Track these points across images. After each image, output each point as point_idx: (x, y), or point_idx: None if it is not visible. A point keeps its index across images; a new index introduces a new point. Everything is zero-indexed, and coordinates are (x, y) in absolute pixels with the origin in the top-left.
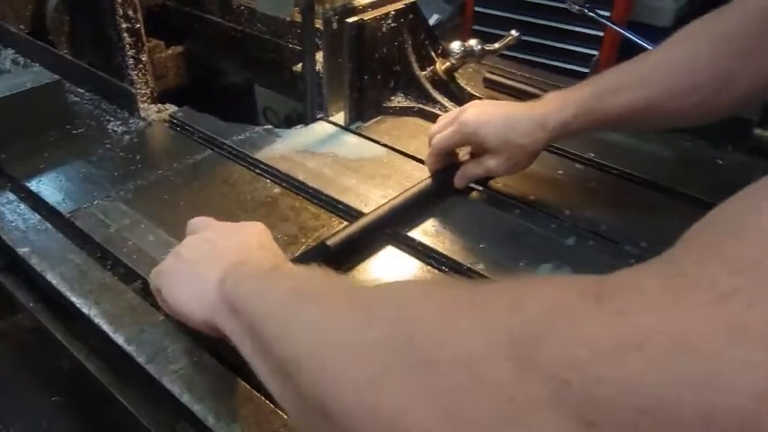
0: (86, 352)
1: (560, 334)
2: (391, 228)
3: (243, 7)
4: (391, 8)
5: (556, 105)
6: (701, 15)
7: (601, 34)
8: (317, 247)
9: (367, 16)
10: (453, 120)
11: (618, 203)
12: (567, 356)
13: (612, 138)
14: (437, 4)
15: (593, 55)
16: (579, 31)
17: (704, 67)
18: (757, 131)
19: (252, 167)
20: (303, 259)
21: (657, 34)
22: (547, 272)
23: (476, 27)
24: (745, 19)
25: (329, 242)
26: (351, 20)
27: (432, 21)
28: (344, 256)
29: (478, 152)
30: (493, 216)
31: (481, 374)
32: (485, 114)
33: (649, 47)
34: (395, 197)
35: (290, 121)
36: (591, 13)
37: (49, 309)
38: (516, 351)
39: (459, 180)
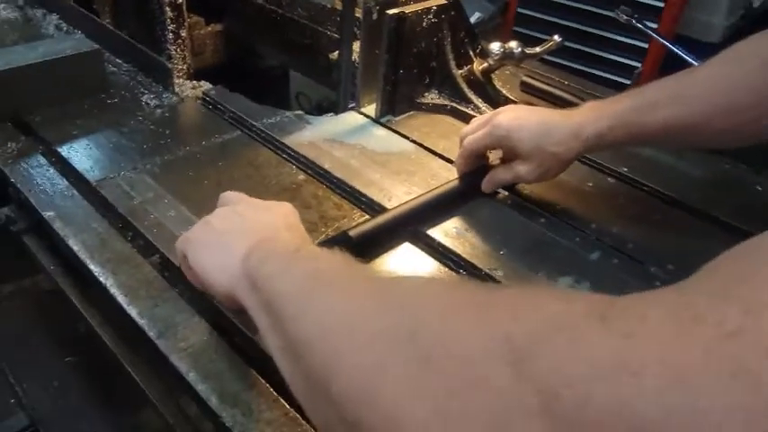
0: (100, 319)
1: (559, 349)
2: (413, 225)
3: None
4: (434, 3)
5: (592, 116)
6: (751, 34)
7: (645, 46)
8: (339, 236)
9: (408, 9)
10: (486, 122)
11: (647, 222)
12: (562, 372)
13: (647, 153)
14: (479, 2)
15: (636, 67)
16: (623, 42)
17: (747, 88)
18: None
19: (279, 152)
20: (324, 247)
21: (705, 50)
22: (566, 285)
23: (517, 29)
24: None
25: (351, 233)
26: (391, 12)
27: (473, 19)
28: (364, 248)
29: (509, 157)
30: (517, 223)
31: (476, 376)
32: (519, 119)
33: (694, 62)
34: (420, 195)
35: (322, 108)
36: (639, 24)
37: (69, 274)
38: (514, 358)
39: (486, 184)
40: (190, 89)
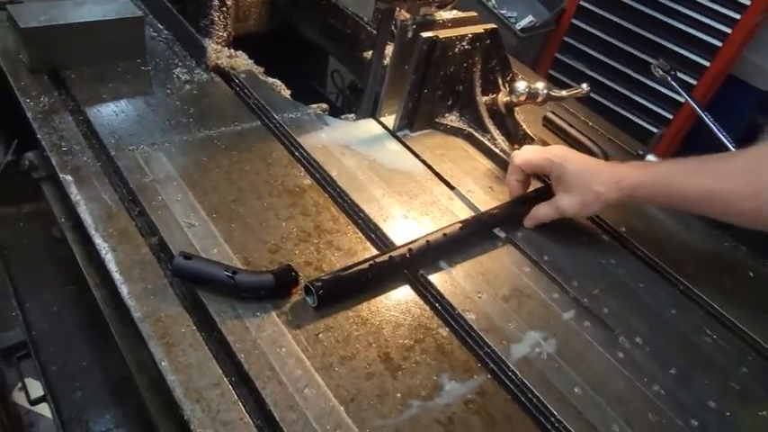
0: (98, 281)
1: None
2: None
3: None
4: (469, 30)
5: (636, 170)
6: None
7: (681, 100)
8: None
9: (442, 34)
10: (540, 149)
11: (629, 289)
12: None
13: (654, 213)
14: (535, 7)
15: (668, 118)
16: (661, 91)
17: None
18: None
19: (292, 149)
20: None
21: (755, 96)
22: (533, 340)
23: (567, 39)
24: None
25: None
26: (426, 34)
27: (524, 22)
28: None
29: (554, 189)
30: (503, 268)
31: None
32: (572, 153)
33: (719, 132)
34: (421, 238)
35: (354, 89)
36: (673, 82)
37: (77, 230)
38: None
39: (529, 221)
40: (226, 57)
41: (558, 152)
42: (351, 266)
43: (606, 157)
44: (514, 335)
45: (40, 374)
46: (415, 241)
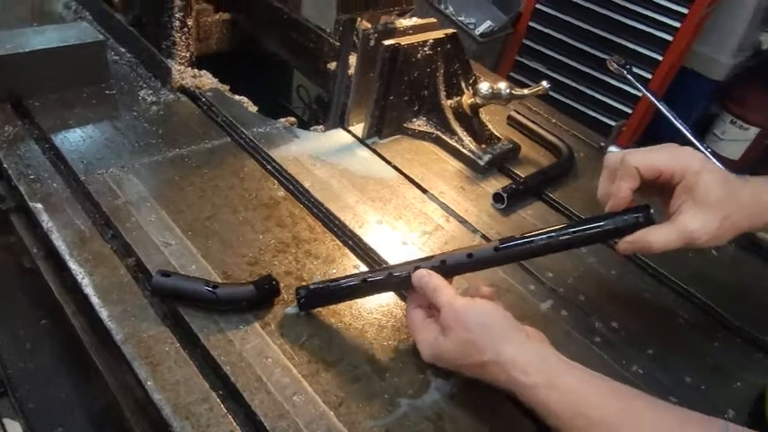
0: (75, 308)
1: None
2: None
3: None
4: (430, 36)
5: None
6: (758, 75)
7: (639, 94)
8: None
9: (404, 41)
10: (658, 149)
11: (602, 276)
12: None
13: None
14: (493, 12)
15: (628, 113)
16: (619, 87)
17: None
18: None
19: (264, 163)
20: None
21: (707, 86)
22: None
23: (526, 42)
24: None
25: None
26: (388, 42)
27: (483, 27)
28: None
29: (669, 201)
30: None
31: None
32: (707, 159)
33: (676, 120)
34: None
35: (320, 103)
36: (629, 76)
37: (50, 257)
38: None
39: (631, 245)
40: (190, 77)
41: (688, 153)
42: (340, 278)
43: (571, 153)
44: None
45: (18, 413)
46: (432, 257)
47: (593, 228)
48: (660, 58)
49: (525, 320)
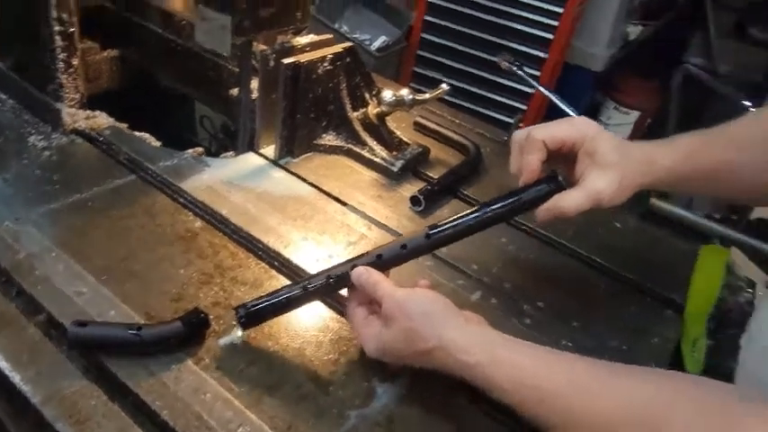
0: None
1: None
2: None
3: (185, 22)
4: (329, 51)
5: (663, 146)
6: (629, 63)
7: (531, 91)
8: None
9: (303, 58)
10: (556, 122)
11: (524, 261)
12: None
13: None
14: (386, 27)
15: (522, 109)
16: (511, 86)
17: None
18: (652, 200)
19: (176, 197)
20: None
21: (589, 77)
22: None
23: (420, 53)
24: None
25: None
26: (287, 60)
27: (378, 42)
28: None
29: (574, 168)
30: (405, 268)
31: None
32: (600, 127)
33: (567, 108)
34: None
35: (227, 131)
36: (519, 72)
37: None
38: None
39: (547, 212)
40: (83, 119)
41: (584, 121)
42: (278, 290)
43: (478, 150)
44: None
45: None
46: (364, 254)
47: (512, 202)
48: (545, 56)
49: None
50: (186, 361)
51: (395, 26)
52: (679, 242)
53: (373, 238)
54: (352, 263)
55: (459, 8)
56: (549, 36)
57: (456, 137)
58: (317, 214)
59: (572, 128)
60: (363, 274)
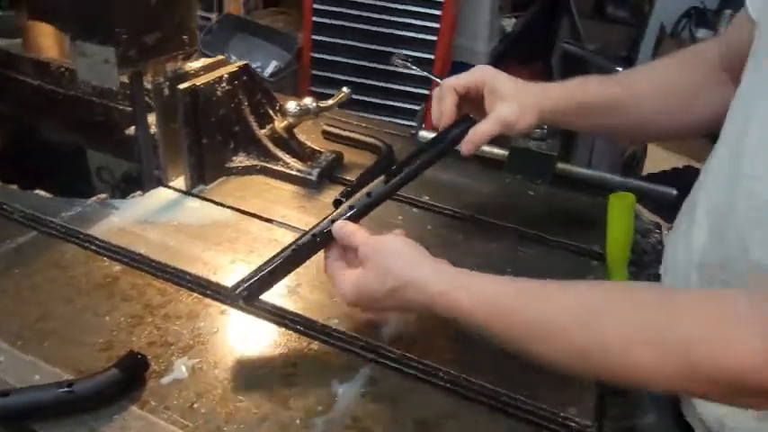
0: None
1: None
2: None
3: (63, 69)
4: (224, 71)
5: (554, 85)
6: (511, 55)
7: (426, 92)
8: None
9: (199, 81)
10: (467, 71)
11: (450, 242)
12: None
13: (444, 180)
14: (276, 51)
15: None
16: (408, 90)
17: (675, 80)
18: (558, 165)
19: (86, 245)
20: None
21: None
22: (395, 319)
23: (315, 72)
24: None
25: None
26: (183, 86)
27: (270, 68)
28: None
29: (488, 104)
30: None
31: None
32: (497, 70)
33: None
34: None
35: (129, 180)
36: (414, 67)
37: None
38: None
39: (469, 144)
40: None
41: (484, 67)
42: (271, 259)
43: (390, 148)
44: (379, 320)
45: None
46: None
47: (441, 141)
48: (432, 57)
49: None
50: (130, 408)
51: (284, 50)
52: (588, 198)
53: None
54: (330, 218)
55: (344, 23)
56: (433, 38)
57: (366, 138)
58: (241, 236)
59: (475, 73)
60: (343, 226)
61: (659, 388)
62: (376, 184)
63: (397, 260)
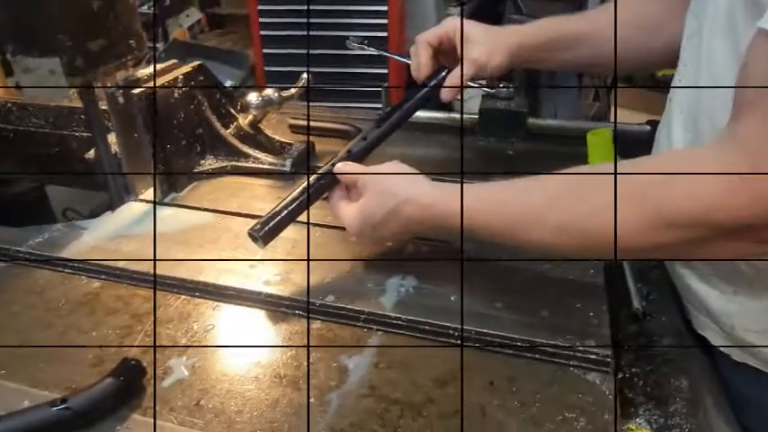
0: None
1: None
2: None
3: (10, 104)
4: (178, 73)
5: (522, 27)
6: None
7: (385, 71)
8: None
9: (153, 85)
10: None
11: None
12: None
13: (419, 155)
14: (228, 71)
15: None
16: (367, 72)
17: (637, 12)
18: (530, 121)
19: (60, 269)
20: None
21: None
22: (396, 284)
23: (270, 85)
24: None
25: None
26: (137, 91)
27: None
28: None
29: (457, 56)
30: (324, 248)
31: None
32: (467, 20)
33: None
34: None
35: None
36: (371, 48)
37: None
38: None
39: (448, 93)
40: None
41: (453, 19)
42: (283, 204)
43: (359, 131)
44: (377, 291)
45: None
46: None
47: (423, 92)
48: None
49: (399, 271)
50: (132, 416)
51: (237, 68)
52: (567, 148)
53: (292, 235)
54: (332, 162)
55: (293, 32)
56: (384, 34)
57: (335, 125)
58: (223, 234)
59: (445, 24)
60: (344, 167)
61: (638, 248)
62: (369, 129)
63: (395, 181)
